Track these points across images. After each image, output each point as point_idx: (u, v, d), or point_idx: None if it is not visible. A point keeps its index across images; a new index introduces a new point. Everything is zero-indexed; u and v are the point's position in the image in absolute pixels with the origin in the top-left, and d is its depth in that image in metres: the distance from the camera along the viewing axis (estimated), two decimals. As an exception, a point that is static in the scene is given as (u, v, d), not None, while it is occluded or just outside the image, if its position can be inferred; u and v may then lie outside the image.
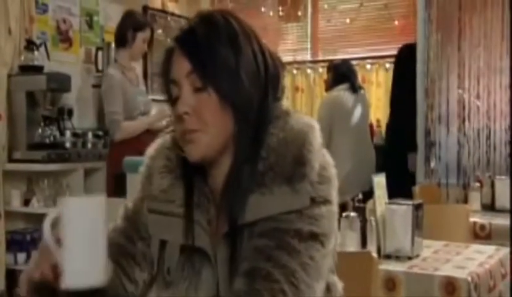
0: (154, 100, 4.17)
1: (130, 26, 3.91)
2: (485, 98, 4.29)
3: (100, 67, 4.95)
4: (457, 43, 4.36)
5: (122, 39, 3.91)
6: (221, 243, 1.14)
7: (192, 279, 1.16)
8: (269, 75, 1.18)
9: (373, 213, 2.27)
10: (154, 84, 5.34)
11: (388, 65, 5.63)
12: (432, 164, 4.38)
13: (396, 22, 5.37)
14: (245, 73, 1.13)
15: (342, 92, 4.45)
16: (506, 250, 2.42)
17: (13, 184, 4.22)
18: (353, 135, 4.42)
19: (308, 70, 5.87)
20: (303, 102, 5.86)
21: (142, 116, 3.86)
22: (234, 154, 1.15)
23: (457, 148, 4.34)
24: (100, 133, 4.68)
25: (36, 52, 4.29)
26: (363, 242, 2.24)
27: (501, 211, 3.52)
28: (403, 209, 2.22)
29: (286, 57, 5.75)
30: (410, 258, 2.22)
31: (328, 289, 1.20)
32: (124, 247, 1.25)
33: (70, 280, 0.95)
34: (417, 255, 2.26)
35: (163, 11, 5.90)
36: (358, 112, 4.47)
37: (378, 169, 3.90)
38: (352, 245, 2.20)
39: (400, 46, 4.75)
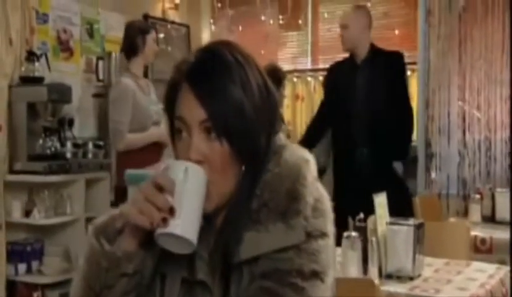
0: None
1: (137, 32, 3.92)
2: (485, 109, 4.30)
3: (101, 77, 4.95)
4: (457, 55, 4.37)
5: (132, 47, 3.90)
6: (220, 278, 1.14)
7: None
8: (272, 109, 1.17)
9: (374, 233, 2.27)
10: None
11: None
12: (433, 175, 4.39)
13: (396, 31, 5.37)
14: (256, 116, 1.12)
15: None
16: (507, 269, 2.43)
17: (14, 195, 4.21)
18: None
19: (309, 78, 5.88)
20: (303, 110, 5.86)
21: (154, 125, 3.85)
22: (235, 194, 1.14)
23: (457, 160, 4.35)
24: (101, 143, 4.69)
25: (36, 63, 4.29)
26: (365, 262, 2.25)
27: (502, 223, 3.53)
28: (405, 229, 2.23)
29: (287, 66, 5.75)
30: (411, 278, 2.22)
31: None
32: None
33: (179, 227, 1.03)
34: (419, 275, 2.26)
35: (163, 19, 5.91)
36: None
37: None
38: (353, 265, 2.21)
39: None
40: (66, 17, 4.84)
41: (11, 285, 4.10)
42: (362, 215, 2.37)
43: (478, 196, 3.79)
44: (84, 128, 4.82)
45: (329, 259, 1.13)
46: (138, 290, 1.14)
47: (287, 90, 5.48)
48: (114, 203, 3.53)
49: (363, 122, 3.87)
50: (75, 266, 4.31)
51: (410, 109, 3.98)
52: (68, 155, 4.38)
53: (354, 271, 2.19)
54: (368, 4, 4.88)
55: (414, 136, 4.20)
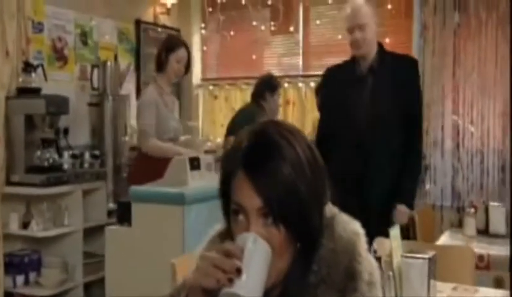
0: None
1: (163, 48, 3.94)
2: (478, 123, 4.40)
3: (95, 85, 4.93)
4: (451, 69, 4.45)
5: (159, 63, 3.93)
6: None
7: None
8: (322, 181, 1.19)
9: (388, 266, 2.33)
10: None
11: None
12: (427, 187, 4.47)
13: (387, 40, 5.43)
14: (309, 194, 1.15)
15: None
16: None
17: (12, 207, 4.20)
18: None
19: (300, 84, 5.92)
20: (294, 115, 5.91)
21: (170, 141, 3.88)
22: (291, 269, 1.16)
23: (451, 173, 4.44)
24: (97, 152, 4.69)
25: (33, 74, 4.27)
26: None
27: (496, 236, 3.64)
28: (419, 263, 2.29)
29: (277, 71, 5.78)
30: (426, 309, 2.28)
31: None
32: None
33: (244, 289, 1.04)
34: (432, 305, 2.33)
35: (155, 24, 5.90)
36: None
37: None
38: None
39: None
40: (60, 25, 4.82)
41: (9, 297, 4.11)
42: (375, 246, 2.43)
43: (472, 210, 3.88)
44: (78, 136, 4.79)
45: None
46: None
47: (278, 95, 5.50)
48: (118, 220, 3.54)
49: (373, 158, 3.20)
50: (73, 277, 4.33)
51: (421, 142, 3.38)
52: (66, 166, 4.37)
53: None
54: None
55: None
